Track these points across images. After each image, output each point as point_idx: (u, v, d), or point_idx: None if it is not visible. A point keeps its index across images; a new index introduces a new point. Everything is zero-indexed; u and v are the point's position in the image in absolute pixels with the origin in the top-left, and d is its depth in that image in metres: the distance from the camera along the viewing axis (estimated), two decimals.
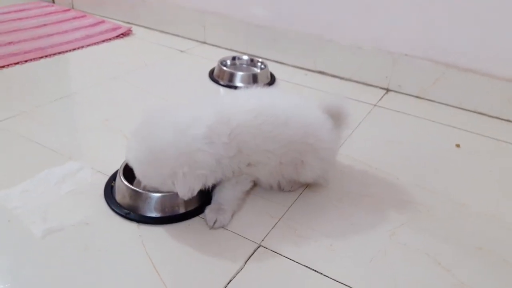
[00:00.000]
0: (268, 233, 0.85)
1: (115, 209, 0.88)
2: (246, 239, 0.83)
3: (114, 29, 1.92)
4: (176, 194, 0.82)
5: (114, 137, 1.14)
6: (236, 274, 0.76)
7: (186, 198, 0.80)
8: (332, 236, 0.86)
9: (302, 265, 0.78)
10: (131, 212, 0.87)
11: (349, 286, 0.75)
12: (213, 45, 1.86)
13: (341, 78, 1.62)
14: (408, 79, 1.51)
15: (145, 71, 1.58)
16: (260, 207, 0.92)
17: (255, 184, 0.94)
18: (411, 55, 1.48)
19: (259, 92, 0.94)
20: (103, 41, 1.81)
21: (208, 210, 0.87)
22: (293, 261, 0.79)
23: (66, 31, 1.85)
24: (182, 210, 0.88)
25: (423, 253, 0.83)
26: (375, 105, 1.44)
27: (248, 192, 0.92)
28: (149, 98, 1.37)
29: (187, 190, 0.78)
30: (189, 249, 0.80)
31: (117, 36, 1.87)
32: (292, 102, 0.91)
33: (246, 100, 0.88)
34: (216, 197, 0.89)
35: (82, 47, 1.73)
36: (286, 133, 0.86)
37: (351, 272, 0.78)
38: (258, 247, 0.82)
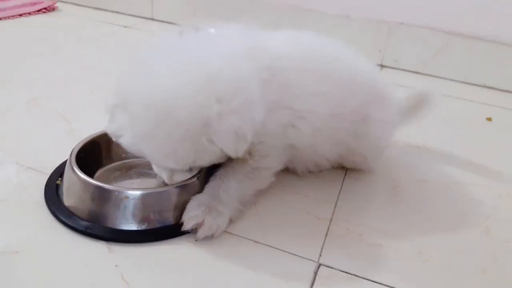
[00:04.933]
0: (324, 244, 0.54)
1: (67, 221, 0.53)
2: (297, 256, 0.52)
3: (32, 4, 1.52)
4: (168, 192, 0.53)
5: (48, 120, 0.78)
6: None
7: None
8: (411, 240, 0.57)
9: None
10: (95, 224, 0.52)
11: None
12: (163, 21, 1.52)
13: None
14: (405, 52, 1.29)
15: (81, 47, 1.21)
16: (300, 207, 0.61)
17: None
18: (407, 23, 1.26)
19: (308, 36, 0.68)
20: (20, 15, 1.41)
21: (192, 203, 0.53)
22: (376, 282, 0.49)
23: None
24: (175, 216, 0.54)
25: None
26: None
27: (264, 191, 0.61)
28: (93, 74, 1.01)
29: (233, 138, 0.48)
30: (209, 281, 0.48)
31: (38, 11, 1.47)
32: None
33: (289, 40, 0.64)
34: (214, 185, 0.55)
35: None
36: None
37: None
38: (319, 266, 0.51)
